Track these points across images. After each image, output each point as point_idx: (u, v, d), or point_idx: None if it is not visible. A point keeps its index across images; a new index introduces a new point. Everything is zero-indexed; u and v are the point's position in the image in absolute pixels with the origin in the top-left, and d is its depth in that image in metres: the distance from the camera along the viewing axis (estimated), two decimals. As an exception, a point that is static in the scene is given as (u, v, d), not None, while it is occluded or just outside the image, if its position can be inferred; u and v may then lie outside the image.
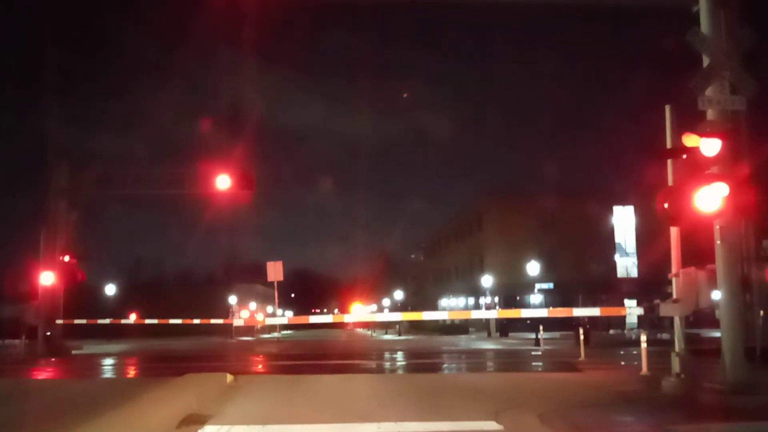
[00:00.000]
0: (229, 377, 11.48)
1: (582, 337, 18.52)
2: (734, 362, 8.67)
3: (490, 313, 37.29)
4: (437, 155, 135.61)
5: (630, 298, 36.68)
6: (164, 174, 24.64)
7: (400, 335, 48.00)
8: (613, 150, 78.92)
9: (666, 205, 8.63)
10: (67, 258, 22.99)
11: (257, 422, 7.44)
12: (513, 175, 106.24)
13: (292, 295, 76.19)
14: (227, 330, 41.96)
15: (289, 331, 59.07)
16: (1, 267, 29.94)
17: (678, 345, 10.17)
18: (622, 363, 17.22)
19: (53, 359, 20.60)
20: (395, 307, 68.12)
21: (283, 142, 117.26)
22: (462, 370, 17.00)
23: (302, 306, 73.10)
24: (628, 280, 43.30)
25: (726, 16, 9.26)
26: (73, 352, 24.06)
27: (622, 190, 41.53)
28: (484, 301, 42.19)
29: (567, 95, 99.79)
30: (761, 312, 10.66)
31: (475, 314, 41.27)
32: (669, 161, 10.25)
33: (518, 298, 44.13)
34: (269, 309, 56.52)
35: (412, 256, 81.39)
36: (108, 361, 20.79)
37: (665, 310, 10.66)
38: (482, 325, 42.34)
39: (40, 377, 15.52)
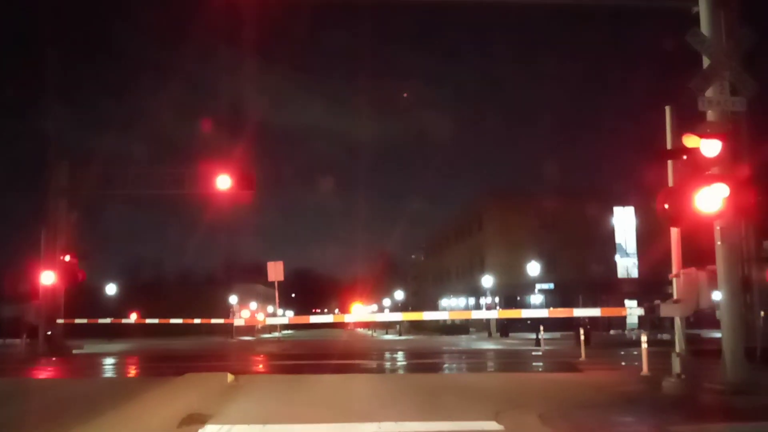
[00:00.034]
0: (230, 377, 11.49)
1: (582, 337, 18.53)
2: (735, 363, 8.68)
3: (491, 313, 37.29)
4: (437, 155, 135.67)
5: (630, 298, 36.69)
6: (164, 174, 24.67)
7: (400, 335, 48.02)
8: (614, 150, 78.95)
9: (666, 206, 8.63)
10: (67, 258, 23.02)
11: (258, 422, 7.44)
12: (513, 175, 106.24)
13: (293, 295, 76.21)
14: (228, 330, 41.98)
15: (289, 331, 59.07)
16: (1, 267, 29.99)
17: (678, 345, 10.18)
18: (623, 363, 17.22)
19: (54, 359, 20.62)
20: (396, 307, 68.16)
21: (283, 142, 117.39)
22: (462, 370, 17.01)
23: (303, 306, 73.07)
24: (628, 281, 43.30)
25: (726, 17, 9.27)
26: (74, 351, 24.08)
27: (622, 190, 41.53)
28: (484, 301, 42.20)
29: (567, 95, 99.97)
30: (762, 312, 10.66)
31: (476, 314, 41.29)
32: (669, 162, 10.25)
33: (519, 298, 44.13)
34: (270, 309, 56.52)
35: (413, 256, 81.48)
36: (109, 361, 20.80)
37: (666, 310, 10.67)
38: (483, 326, 42.35)
39: (40, 377, 15.54)
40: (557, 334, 29.90)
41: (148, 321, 25.79)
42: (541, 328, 23.75)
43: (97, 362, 20.11)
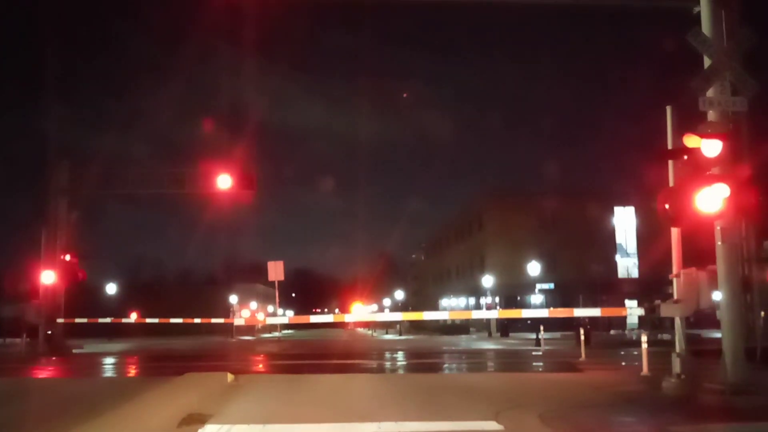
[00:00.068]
0: (230, 376, 11.49)
1: (583, 337, 18.53)
2: (735, 363, 8.67)
3: (491, 313, 37.27)
4: (437, 155, 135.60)
5: (631, 298, 36.65)
6: (165, 174, 24.70)
7: (400, 335, 48.01)
8: (614, 150, 79.00)
9: (667, 206, 8.62)
10: (67, 257, 23.03)
11: (258, 422, 7.44)
12: (513, 175, 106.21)
13: (293, 295, 76.25)
14: (228, 329, 41.98)
15: (289, 331, 59.09)
16: (1, 266, 30.07)
17: (679, 345, 10.18)
18: (623, 363, 17.21)
19: (54, 358, 20.62)
20: (396, 307, 68.19)
21: (283, 142, 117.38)
22: (463, 370, 17.01)
23: (303, 306, 73.10)
24: (628, 281, 43.29)
25: (727, 17, 9.27)
26: (74, 351, 24.08)
27: (622, 190, 41.54)
28: (484, 301, 42.18)
29: (567, 95, 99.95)
30: (762, 312, 10.66)
31: (476, 314, 41.24)
32: (670, 162, 10.25)
33: (519, 298, 44.11)
34: (270, 308, 56.53)
35: (413, 256, 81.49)
36: (109, 360, 20.80)
37: (666, 310, 10.67)
38: (483, 325, 42.35)
39: (41, 376, 15.54)
40: (557, 334, 29.90)
41: (148, 321, 25.83)
42: (542, 328, 23.75)
43: (97, 362, 20.11)
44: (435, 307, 57.89)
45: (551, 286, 43.12)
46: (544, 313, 29.87)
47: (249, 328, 47.73)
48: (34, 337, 22.93)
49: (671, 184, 10.06)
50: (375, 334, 54.04)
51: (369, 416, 7.68)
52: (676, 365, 9.93)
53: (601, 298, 35.95)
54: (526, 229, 44.47)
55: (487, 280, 40.49)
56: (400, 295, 72.53)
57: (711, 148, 8.30)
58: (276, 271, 30.46)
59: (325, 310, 76.63)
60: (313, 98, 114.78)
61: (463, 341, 33.42)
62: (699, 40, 9.08)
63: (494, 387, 11.13)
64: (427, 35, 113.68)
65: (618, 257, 45.11)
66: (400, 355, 22.99)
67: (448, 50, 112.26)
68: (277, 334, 45.33)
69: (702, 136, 8.36)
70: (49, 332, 22.84)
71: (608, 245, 44.53)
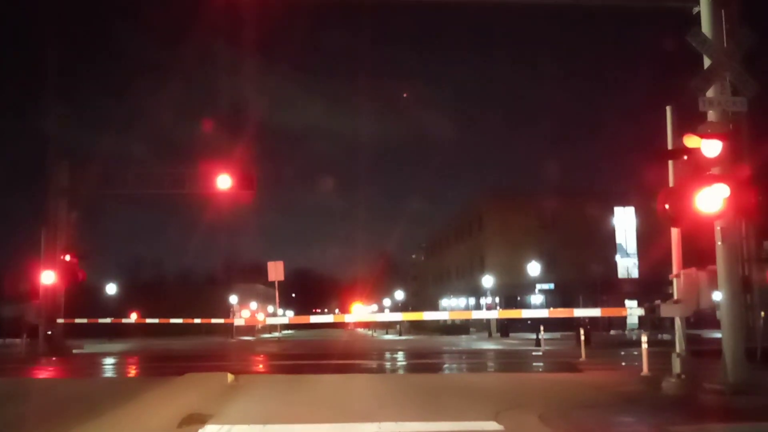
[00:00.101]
0: (230, 377, 11.49)
1: (583, 337, 18.52)
2: (735, 363, 8.68)
3: (491, 313, 37.29)
4: (437, 155, 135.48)
5: (631, 298, 36.66)
6: (165, 174, 24.70)
7: (400, 335, 48.01)
8: (614, 150, 79.08)
9: (667, 206, 8.62)
10: (67, 257, 23.01)
11: (258, 422, 7.44)
12: (513, 175, 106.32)
13: (293, 295, 76.20)
14: (228, 330, 41.98)
15: (289, 331, 59.08)
16: (1, 267, 30.05)
17: (679, 346, 10.18)
18: (623, 363, 17.22)
19: (54, 358, 20.62)
20: (396, 307, 68.14)
21: (283, 142, 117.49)
22: (463, 370, 17.01)
23: (303, 306, 73.06)
24: (628, 281, 43.30)
25: (727, 17, 9.27)
26: (74, 351, 24.08)
27: (622, 190, 41.55)
28: (484, 301, 42.19)
29: (567, 95, 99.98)
30: (762, 312, 10.65)
31: (476, 314, 41.27)
32: (670, 162, 10.25)
33: (519, 298, 44.10)
34: (270, 309, 56.52)
35: (413, 256, 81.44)
36: (109, 361, 20.80)
37: (666, 310, 10.67)
38: (483, 326, 42.33)
39: (41, 376, 15.54)
40: (557, 334, 29.89)
41: (148, 321, 25.81)
42: (542, 328, 23.74)
43: (97, 362, 20.11)
44: (435, 308, 57.86)
45: (551, 286, 43.12)
46: (544, 313, 29.86)
47: (249, 329, 47.74)
48: (34, 338, 22.92)
49: (671, 184, 10.06)
50: (375, 335, 54.04)
51: (369, 416, 7.68)
52: (676, 365, 9.93)
53: (601, 298, 35.96)
54: (526, 229, 44.48)
55: (487, 280, 40.49)
56: (400, 295, 72.50)
57: (711, 148, 8.30)
58: (276, 271, 30.50)
59: (325, 310, 76.69)
60: (313, 98, 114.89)
61: (463, 341, 33.42)
62: (699, 40, 9.08)
63: (494, 387, 11.13)
64: (427, 35, 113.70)
65: (618, 257, 45.10)
66: (400, 355, 22.99)
67: (448, 50, 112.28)
68: (277, 334, 45.33)
69: (702, 136, 8.37)
70: (49, 332, 22.83)
71: (608, 245, 44.53)
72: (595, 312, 18.63)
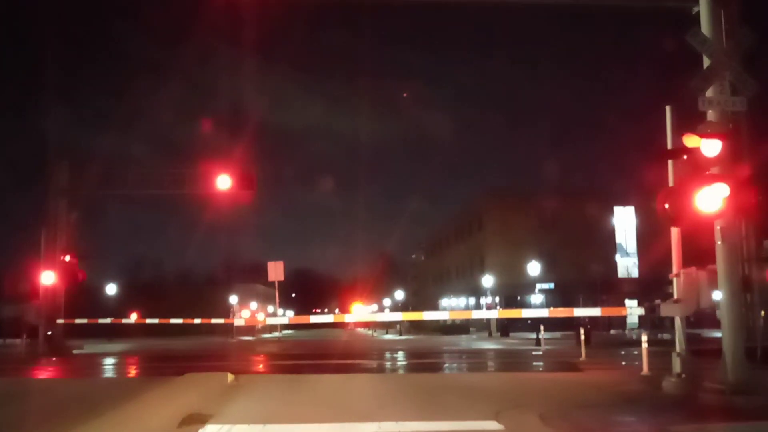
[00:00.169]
0: (230, 377, 11.50)
1: (583, 337, 18.52)
2: (735, 362, 8.67)
3: (491, 313, 37.31)
4: (437, 155, 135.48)
5: (631, 298, 36.69)
6: (165, 174, 24.69)
7: (400, 335, 48.02)
8: (614, 150, 78.98)
9: (667, 206, 8.62)
10: (67, 258, 23.02)
11: (258, 422, 7.45)
12: (513, 175, 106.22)
13: (293, 295, 76.20)
14: (228, 330, 41.98)
15: (289, 331, 59.11)
16: (1, 267, 30.04)
17: (679, 345, 10.18)
18: (623, 363, 17.22)
19: (54, 359, 20.62)
20: (396, 307, 68.15)
21: (283, 142, 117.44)
22: (463, 370, 17.01)
23: (303, 306, 73.07)
24: (628, 281, 43.32)
25: (726, 17, 9.26)
26: (74, 351, 24.08)
27: (622, 190, 41.63)
28: (484, 301, 42.19)
29: (567, 95, 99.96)
30: (762, 312, 10.66)
31: (476, 314, 41.24)
32: (670, 162, 10.25)
33: (519, 298, 44.12)
34: (270, 309, 56.53)
35: (413, 256, 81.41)
36: (109, 361, 20.80)
37: (666, 310, 10.68)
38: (483, 325, 42.35)
39: (41, 377, 15.54)
40: (557, 334, 29.90)
41: (148, 321, 25.81)
42: (542, 327, 23.75)
43: (97, 362, 20.12)
44: (435, 307, 57.86)
45: (551, 286, 43.12)
46: (544, 312, 29.85)
47: (249, 329, 47.76)
48: (34, 338, 22.93)
49: (671, 183, 10.06)
50: (375, 334, 54.06)
51: (369, 416, 7.69)
52: (677, 365, 9.93)
53: (601, 298, 35.99)
54: (526, 229, 44.49)
55: (487, 280, 40.50)
56: (400, 295, 72.50)
57: (711, 147, 8.30)
58: (276, 271, 30.47)
59: (325, 310, 76.69)
60: (313, 98, 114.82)
61: (463, 341, 33.43)
62: (698, 40, 9.08)
63: (494, 387, 11.13)
64: (427, 35, 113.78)
65: (618, 257, 45.12)
66: (400, 355, 23.00)
67: (448, 50, 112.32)
68: (277, 334, 45.32)
69: (701, 135, 8.36)
70: (49, 333, 22.83)
71: (608, 245, 44.55)
72: (595, 312, 18.61)
